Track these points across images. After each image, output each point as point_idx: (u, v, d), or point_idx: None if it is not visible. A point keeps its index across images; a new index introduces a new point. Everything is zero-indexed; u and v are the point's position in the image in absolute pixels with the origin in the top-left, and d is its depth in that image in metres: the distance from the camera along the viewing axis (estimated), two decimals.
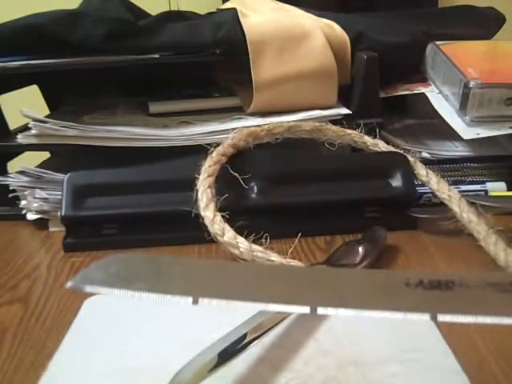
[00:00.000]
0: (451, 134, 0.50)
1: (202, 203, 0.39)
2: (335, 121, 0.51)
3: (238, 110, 0.53)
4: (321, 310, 0.19)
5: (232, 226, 0.38)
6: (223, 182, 0.42)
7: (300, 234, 0.42)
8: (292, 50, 0.51)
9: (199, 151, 0.43)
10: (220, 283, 0.22)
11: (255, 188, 0.43)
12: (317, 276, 0.21)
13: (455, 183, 0.48)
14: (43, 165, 0.52)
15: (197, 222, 0.39)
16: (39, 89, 0.63)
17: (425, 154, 0.51)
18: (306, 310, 0.19)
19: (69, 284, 0.21)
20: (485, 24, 0.63)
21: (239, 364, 0.26)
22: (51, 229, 0.48)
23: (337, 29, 0.54)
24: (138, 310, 0.33)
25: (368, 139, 0.47)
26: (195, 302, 0.20)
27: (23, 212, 0.48)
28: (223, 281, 0.22)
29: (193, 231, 0.40)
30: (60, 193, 0.44)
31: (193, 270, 0.23)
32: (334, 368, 0.27)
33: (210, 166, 0.42)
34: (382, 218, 0.44)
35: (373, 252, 0.37)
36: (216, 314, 0.32)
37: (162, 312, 0.33)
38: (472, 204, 0.41)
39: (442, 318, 0.18)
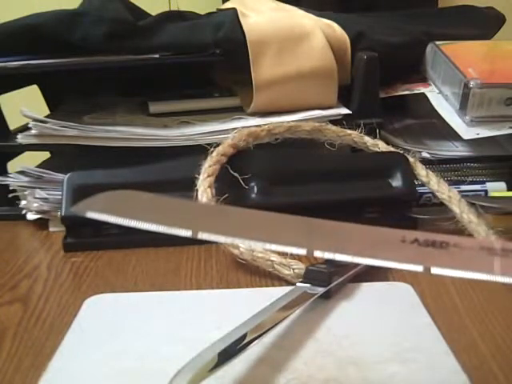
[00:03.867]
0: (451, 134, 0.50)
1: None
2: (335, 121, 0.51)
3: (238, 110, 0.53)
4: (318, 253, 0.20)
5: None
6: (223, 182, 0.42)
7: None
8: (292, 50, 0.51)
9: (199, 151, 0.43)
10: (220, 221, 0.22)
11: (255, 188, 0.43)
12: (316, 224, 0.21)
13: (455, 183, 0.48)
14: (43, 165, 0.52)
15: None
16: (39, 89, 0.63)
17: (425, 154, 0.51)
18: (303, 251, 0.20)
19: (71, 209, 0.22)
20: (485, 24, 0.63)
21: (239, 364, 0.26)
22: (51, 229, 0.48)
23: (337, 29, 0.54)
24: (138, 310, 0.33)
25: (368, 139, 0.47)
26: (194, 234, 0.20)
27: (23, 212, 0.48)
28: (223, 219, 0.22)
29: None
30: (60, 193, 0.44)
31: (195, 208, 0.23)
32: (334, 368, 0.27)
33: (210, 166, 0.42)
34: (382, 218, 0.44)
35: None
36: (216, 313, 0.32)
37: (162, 312, 0.33)
38: (472, 205, 0.41)
39: (435, 270, 0.18)
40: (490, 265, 0.18)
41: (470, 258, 0.19)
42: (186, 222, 0.21)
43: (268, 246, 0.20)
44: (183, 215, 0.22)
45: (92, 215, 0.21)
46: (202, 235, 0.21)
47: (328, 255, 0.19)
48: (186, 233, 0.21)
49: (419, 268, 0.18)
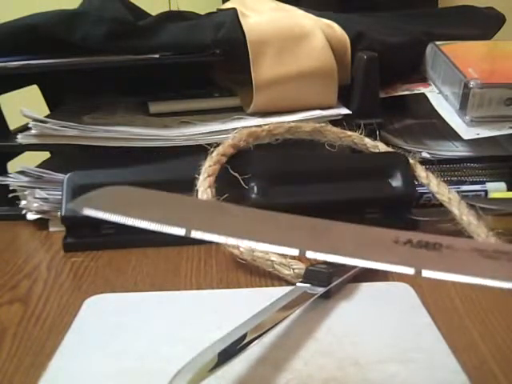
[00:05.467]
0: (451, 134, 0.51)
1: None
2: (335, 121, 0.51)
3: (238, 110, 0.53)
4: (310, 254, 0.20)
5: None
6: (223, 182, 0.42)
7: None
8: (292, 50, 0.51)
9: (199, 151, 0.43)
10: (214, 220, 0.22)
11: (255, 188, 0.43)
12: (309, 224, 0.21)
13: (455, 183, 0.48)
14: (43, 165, 0.52)
15: None
16: (39, 89, 0.63)
17: (425, 154, 0.51)
18: (295, 251, 0.20)
19: (67, 206, 0.22)
20: (485, 24, 0.63)
21: (239, 364, 0.26)
22: (51, 229, 0.48)
23: (337, 29, 0.54)
24: (138, 310, 0.33)
25: (368, 141, 0.47)
26: (188, 233, 0.20)
27: (23, 212, 0.48)
28: (218, 218, 0.22)
29: None
30: (60, 193, 0.44)
31: (190, 205, 0.23)
32: (334, 368, 0.27)
33: (209, 166, 0.42)
34: (382, 219, 0.44)
35: None
36: (216, 313, 0.32)
37: (162, 312, 0.33)
38: (472, 206, 0.41)
39: (426, 273, 0.18)
40: (482, 268, 0.18)
41: (462, 260, 0.19)
42: (180, 221, 0.21)
43: (260, 246, 0.20)
44: (179, 213, 0.22)
45: (89, 212, 0.21)
46: (196, 234, 0.20)
47: (320, 256, 0.19)
48: (179, 231, 0.21)
49: (410, 271, 0.18)
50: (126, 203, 0.23)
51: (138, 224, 0.21)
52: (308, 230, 0.21)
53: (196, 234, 0.20)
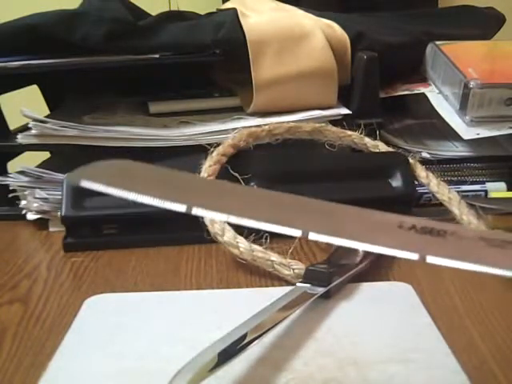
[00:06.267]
0: (451, 134, 0.51)
1: None
2: (335, 121, 0.51)
3: (238, 110, 0.53)
4: (312, 235, 0.19)
5: (232, 226, 0.38)
6: None
7: None
8: (292, 50, 0.51)
9: (199, 151, 0.43)
10: (216, 198, 0.22)
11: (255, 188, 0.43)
12: (313, 205, 0.21)
13: (455, 183, 0.48)
14: (43, 165, 0.52)
15: (197, 222, 0.39)
16: (39, 89, 0.63)
17: (425, 154, 0.51)
18: (298, 232, 0.19)
19: (67, 176, 0.21)
20: (485, 24, 0.63)
21: (239, 364, 0.26)
22: (51, 229, 0.48)
23: (337, 29, 0.54)
24: (138, 310, 0.33)
25: (368, 141, 0.47)
26: (189, 210, 0.20)
27: (23, 212, 0.48)
28: (220, 196, 0.22)
29: (193, 231, 0.40)
30: (60, 193, 0.44)
31: (192, 183, 0.23)
32: (334, 368, 0.27)
33: (210, 166, 0.42)
34: None
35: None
36: (216, 313, 0.32)
37: (161, 312, 0.33)
38: (472, 206, 0.41)
39: (430, 259, 0.18)
40: (487, 255, 0.18)
41: (467, 247, 0.18)
42: (181, 197, 0.20)
43: (261, 225, 0.20)
44: (180, 190, 0.22)
45: (87, 185, 0.21)
46: (197, 211, 0.20)
47: (323, 238, 0.19)
48: (180, 208, 0.20)
49: (414, 256, 0.18)
50: (127, 177, 0.22)
51: (138, 198, 0.20)
52: (311, 211, 0.21)
53: (197, 211, 0.20)
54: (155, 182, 0.22)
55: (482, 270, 0.17)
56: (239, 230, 0.38)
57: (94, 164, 0.22)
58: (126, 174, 0.22)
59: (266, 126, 0.46)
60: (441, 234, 0.19)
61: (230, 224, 0.38)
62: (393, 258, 0.39)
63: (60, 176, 0.46)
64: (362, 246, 0.18)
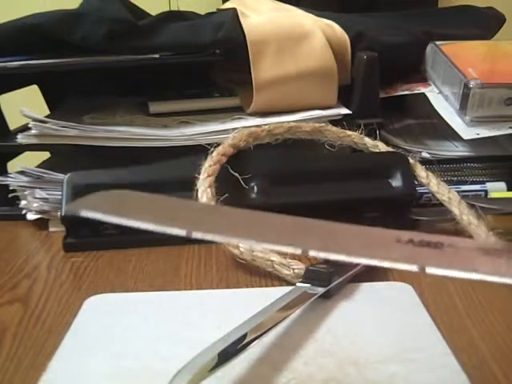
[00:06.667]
0: (451, 134, 0.51)
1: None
2: (335, 121, 0.51)
3: (238, 110, 0.53)
4: (312, 253, 0.19)
5: None
6: (223, 182, 0.42)
7: None
8: (292, 50, 0.51)
9: (199, 151, 0.43)
10: (214, 221, 0.22)
11: (255, 188, 0.43)
12: (311, 224, 0.21)
13: (455, 183, 0.48)
14: (43, 165, 0.52)
15: None
16: (39, 89, 0.63)
17: (425, 154, 0.51)
18: (298, 250, 0.20)
19: (66, 208, 0.21)
20: (485, 24, 0.63)
21: (239, 364, 0.26)
22: (51, 229, 0.48)
23: (337, 29, 0.54)
24: (138, 310, 0.33)
25: (368, 141, 0.47)
26: (189, 234, 0.20)
27: (23, 212, 0.48)
28: (217, 219, 0.22)
29: None
30: (60, 193, 0.44)
31: (190, 207, 0.23)
32: (334, 368, 0.27)
33: (210, 166, 0.42)
34: (382, 219, 0.44)
35: None
36: (216, 313, 0.32)
37: (161, 312, 0.33)
38: (472, 206, 0.41)
39: (430, 270, 0.18)
40: (485, 264, 0.18)
41: (465, 257, 0.19)
42: (180, 222, 0.21)
43: (263, 245, 0.20)
44: (178, 214, 0.22)
45: (86, 214, 0.21)
46: (197, 235, 0.20)
47: (323, 255, 0.19)
48: (180, 232, 0.20)
49: (414, 267, 0.18)
50: (126, 205, 0.23)
51: (140, 225, 0.21)
52: (310, 229, 0.21)
53: (197, 235, 0.20)
54: (153, 208, 0.23)
55: (480, 279, 0.18)
56: None
57: (92, 194, 0.23)
58: (124, 202, 0.23)
59: (266, 126, 0.46)
60: (438, 247, 0.19)
61: None
62: None
63: (60, 176, 0.46)
64: (362, 261, 0.19)
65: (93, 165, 0.46)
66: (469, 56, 0.54)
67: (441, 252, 0.19)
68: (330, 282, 0.33)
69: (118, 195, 0.23)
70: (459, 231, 0.41)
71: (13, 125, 0.53)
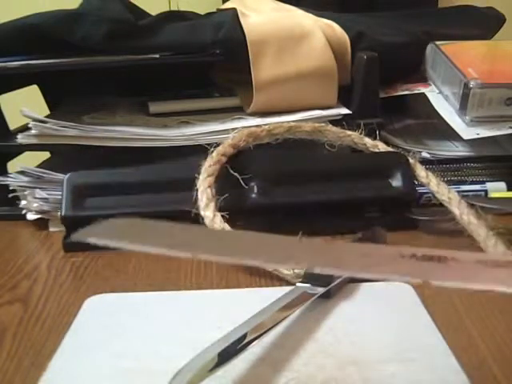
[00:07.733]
0: (451, 134, 0.51)
1: (201, 203, 0.39)
2: (335, 121, 0.51)
3: (238, 110, 0.53)
4: (318, 270, 0.20)
5: (232, 226, 0.38)
6: (223, 182, 0.42)
7: (300, 234, 0.42)
8: (292, 50, 0.51)
9: (199, 151, 0.43)
10: (218, 243, 0.22)
11: (255, 188, 0.43)
12: (316, 243, 0.22)
13: (455, 183, 0.48)
14: (43, 165, 0.52)
15: (197, 222, 0.39)
16: (39, 89, 0.63)
17: (425, 154, 0.51)
18: (303, 266, 0.20)
19: (72, 236, 0.21)
20: (485, 24, 0.63)
21: (239, 364, 0.26)
22: (51, 229, 0.48)
23: (337, 29, 0.54)
24: (138, 310, 0.33)
25: (368, 141, 0.47)
26: (194, 256, 0.21)
27: (23, 212, 0.48)
28: (221, 241, 0.23)
29: None
30: (60, 193, 0.44)
31: (192, 232, 0.24)
32: (334, 368, 0.27)
33: (210, 166, 0.42)
34: (382, 218, 0.44)
35: None
36: (216, 313, 0.32)
37: (161, 312, 0.33)
38: (472, 206, 0.41)
39: (434, 282, 0.19)
40: (490, 275, 0.19)
41: (469, 269, 0.19)
42: (185, 245, 0.21)
43: (270, 265, 0.21)
44: (182, 237, 0.23)
45: (93, 241, 0.21)
46: (203, 256, 0.21)
47: (328, 271, 0.20)
48: (186, 255, 0.21)
49: (419, 281, 0.19)
50: (129, 231, 0.23)
51: (149, 250, 0.21)
52: (312, 247, 0.21)
53: (203, 257, 0.21)
54: (158, 233, 0.23)
55: (484, 289, 0.18)
56: (239, 230, 0.38)
57: (96, 223, 0.23)
58: (130, 229, 0.23)
59: (266, 126, 0.46)
60: (441, 260, 0.20)
61: (230, 224, 0.38)
62: None
63: (60, 176, 0.46)
64: (367, 276, 0.19)
65: (93, 165, 0.46)
66: (469, 56, 0.54)
67: (445, 265, 0.19)
68: (330, 282, 0.33)
69: (121, 222, 0.23)
70: (459, 231, 0.41)
71: (13, 125, 0.53)
